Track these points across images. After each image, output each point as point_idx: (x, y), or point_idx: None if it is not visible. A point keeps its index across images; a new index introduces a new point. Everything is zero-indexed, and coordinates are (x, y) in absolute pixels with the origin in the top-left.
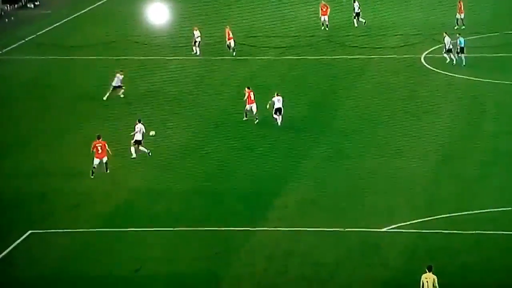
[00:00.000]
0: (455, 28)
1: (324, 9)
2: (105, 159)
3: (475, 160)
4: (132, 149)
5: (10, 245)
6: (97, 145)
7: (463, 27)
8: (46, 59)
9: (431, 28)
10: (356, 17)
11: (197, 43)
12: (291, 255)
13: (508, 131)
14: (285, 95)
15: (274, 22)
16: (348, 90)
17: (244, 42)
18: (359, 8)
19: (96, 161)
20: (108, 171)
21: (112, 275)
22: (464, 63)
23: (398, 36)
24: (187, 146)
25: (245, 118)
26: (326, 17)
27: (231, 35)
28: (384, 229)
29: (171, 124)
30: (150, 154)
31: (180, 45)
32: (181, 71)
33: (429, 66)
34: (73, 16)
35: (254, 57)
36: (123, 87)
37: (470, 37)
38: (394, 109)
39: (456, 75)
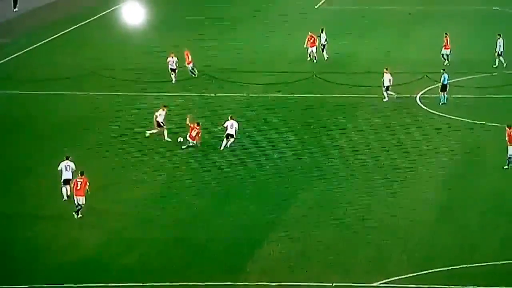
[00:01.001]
0: (445, 64)
1: (312, 40)
2: (81, 200)
3: (475, 209)
4: (63, 190)
5: None
6: (78, 180)
7: (447, 62)
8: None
9: (427, 67)
10: (323, 49)
11: (174, 71)
12: None
13: (510, 178)
14: (270, 134)
15: (259, 56)
16: (339, 131)
17: (227, 78)
18: (325, 40)
19: (76, 199)
20: (79, 216)
21: None
22: (444, 101)
23: (393, 75)
24: (162, 191)
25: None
26: (314, 49)
27: (190, 59)
28: (376, 284)
29: (144, 168)
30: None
31: (152, 80)
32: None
33: (424, 107)
34: (34, 46)
35: (237, 94)
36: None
37: (466, 77)
38: (388, 153)
39: (453, 117)
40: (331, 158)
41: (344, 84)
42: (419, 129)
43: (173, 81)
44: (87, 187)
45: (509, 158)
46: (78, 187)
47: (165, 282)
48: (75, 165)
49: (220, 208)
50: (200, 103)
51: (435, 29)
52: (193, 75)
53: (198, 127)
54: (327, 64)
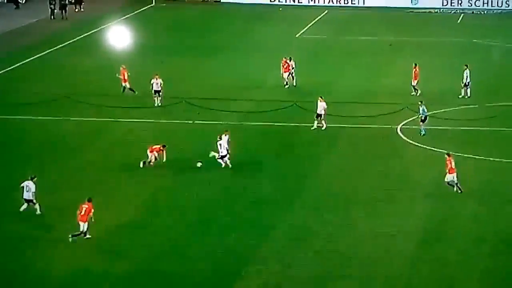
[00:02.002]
0: (412, 94)
1: (286, 66)
2: (82, 226)
3: (455, 244)
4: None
5: None
6: (83, 206)
7: (413, 93)
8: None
9: (408, 97)
10: (293, 78)
11: (158, 93)
12: None
13: (492, 213)
14: (248, 163)
15: (237, 84)
16: (317, 161)
17: (203, 105)
18: (293, 67)
19: (79, 224)
20: (70, 240)
21: None
22: (424, 133)
23: (373, 104)
24: (135, 220)
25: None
26: (286, 74)
27: (126, 77)
28: None
29: (116, 194)
30: (40, 211)
31: (131, 105)
32: (131, 135)
33: (405, 138)
34: (4, 70)
35: (214, 121)
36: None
37: (449, 108)
38: (369, 185)
39: (434, 149)
40: (310, 188)
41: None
42: (400, 160)
43: (156, 104)
44: (91, 214)
45: (449, 183)
46: (82, 213)
47: None
48: (36, 188)
49: (197, 238)
50: (178, 130)
51: (417, 59)
52: (134, 92)
53: (163, 149)
54: (307, 92)
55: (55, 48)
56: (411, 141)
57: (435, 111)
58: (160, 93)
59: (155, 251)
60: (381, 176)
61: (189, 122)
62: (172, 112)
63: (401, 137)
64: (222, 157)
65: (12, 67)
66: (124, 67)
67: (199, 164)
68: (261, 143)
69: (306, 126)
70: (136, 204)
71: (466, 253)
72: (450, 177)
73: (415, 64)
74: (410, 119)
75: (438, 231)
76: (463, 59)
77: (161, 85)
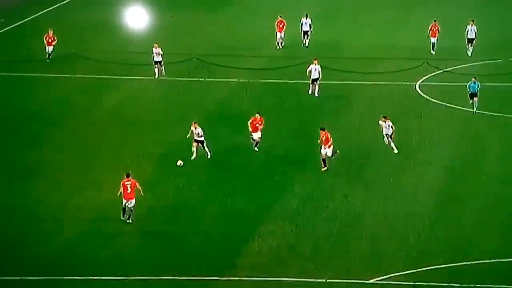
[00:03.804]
0: (432, 52)
1: (281, 25)
2: (132, 202)
3: (474, 205)
4: None
5: None
6: (126, 183)
7: (434, 52)
8: None
9: (427, 53)
10: (305, 36)
11: (159, 63)
12: None
13: (509, 170)
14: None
15: (250, 40)
16: (333, 120)
17: (214, 62)
18: (310, 26)
19: (124, 201)
20: (130, 221)
21: None
22: (476, 110)
23: (390, 61)
24: (144, 180)
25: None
26: (282, 34)
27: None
28: (372, 281)
29: (126, 155)
30: None
31: (141, 63)
32: (142, 92)
33: (424, 95)
34: (11, 26)
35: (225, 79)
36: None
37: (469, 64)
38: (384, 144)
39: (454, 106)
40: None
41: (339, 70)
42: (418, 118)
43: (156, 76)
44: (138, 186)
45: (323, 159)
46: (129, 190)
47: (147, 276)
48: None
49: (208, 199)
50: (188, 88)
51: (437, 14)
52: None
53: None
54: (321, 49)
55: (63, 2)
56: (429, 98)
57: (455, 67)
58: (162, 63)
59: (166, 212)
60: (399, 134)
61: (201, 79)
62: (182, 69)
63: (419, 93)
64: (202, 142)
65: (21, 21)
66: None
67: (180, 163)
68: (275, 101)
69: (321, 83)
70: (146, 164)
71: (483, 214)
72: (328, 151)
73: (435, 21)
74: (429, 75)
75: (456, 192)
76: (487, 13)
77: (162, 55)
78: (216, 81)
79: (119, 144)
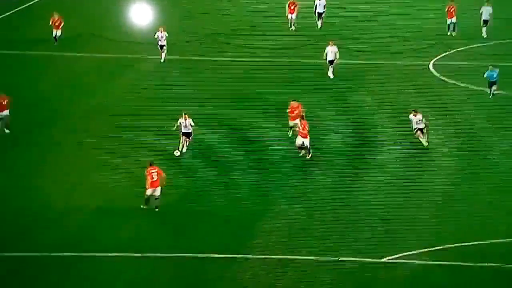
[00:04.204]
0: (448, 35)
1: (292, 7)
2: (158, 190)
3: (487, 184)
4: None
5: None
6: (151, 171)
7: (454, 33)
8: None
9: (442, 32)
10: (319, 18)
11: (163, 48)
12: None
13: None
14: (275, 102)
15: (266, 19)
16: (346, 99)
17: (229, 41)
18: (324, 7)
19: (149, 190)
20: (158, 209)
21: None
22: (492, 95)
23: (404, 40)
24: (159, 160)
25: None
26: (294, 15)
27: (58, 24)
28: (384, 260)
29: (141, 135)
30: None
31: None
32: (158, 72)
33: (438, 75)
34: (26, 5)
35: (241, 58)
36: None
37: (482, 43)
38: (398, 124)
39: (469, 86)
40: (338, 126)
41: (352, 50)
42: (431, 98)
43: (162, 60)
44: (163, 175)
45: (306, 147)
46: (154, 178)
47: (163, 254)
48: None
49: (221, 180)
50: (205, 67)
51: None
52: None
53: None
54: (335, 29)
55: None
56: (443, 77)
57: (469, 46)
58: (164, 48)
59: (180, 193)
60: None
61: (217, 58)
62: (198, 48)
63: (433, 73)
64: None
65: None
66: None
67: (176, 153)
68: (288, 80)
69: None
70: (159, 143)
71: (496, 194)
72: (302, 141)
73: (452, 1)
74: (442, 55)
75: (469, 172)
76: None
77: (166, 39)
78: (232, 60)
79: (133, 124)
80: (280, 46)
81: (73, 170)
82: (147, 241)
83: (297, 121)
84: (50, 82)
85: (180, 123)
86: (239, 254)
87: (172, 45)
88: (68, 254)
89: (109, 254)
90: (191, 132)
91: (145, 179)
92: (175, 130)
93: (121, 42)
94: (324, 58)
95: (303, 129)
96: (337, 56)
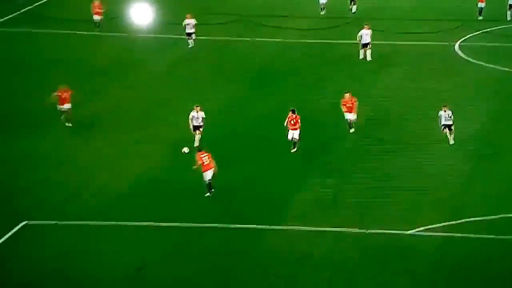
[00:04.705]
0: (478, 19)
1: None
2: (210, 173)
3: (509, 160)
4: None
5: (3, 236)
6: (202, 156)
7: (481, 17)
8: (47, 33)
9: (467, 14)
10: (352, 2)
11: (190, 35)
12: (306, 258)
13: None
14: (306, 80)
15: (296, 2)
16: (373, 79)
17: (263, 22)
18: None
19: (205, 175)
20: (211, 193)
21: (112, 272)
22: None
23: (431, 22)
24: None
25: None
26: (324, 0)
27: (98, 10)
28: (410, 232)
29: (180, 111)
30: None
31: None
32: (195, 51)
33: (463, 56)
34: None
35: (272, 38)
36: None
37: (507, 25)
38: (423, 102)
39: (495, 67)
40: (365, 107)
41: (380, 31)
42: (456, 77)
43: (190, 46)
44: (211, 159)
45: (292, 141)
46: (206, 162)
47: (200, 224)
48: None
49: (256, 154)
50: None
51: None
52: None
53: None
54: (365, 10)
55: None
56: (468, 58)
57: (493, 27)
58: (192, 35)
59: (217, 166)
60: (436, 94)
61: (248, 39)
62: (229, 29)
63: (458, 54)
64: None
65: None
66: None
67: (185, 150)
68: (317, 61)
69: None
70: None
71: None
72: (294, 133)
73: None
74: (468, 36)
75: (492, 148)
76: None
77: (194, 26)
78: (263, 40)
79: (173, 101)
80: (310, 27)
81: (117, 142)
82: (185, 211)
83: (353, 115)
84: (99, 59)
85: (192, 116)
86: (273, 224)
87: (209, 26)
88: (108, 223)
89: (145, 223)
90: (202, 125)
91: (196, 165)
92: (188, 126)
93: (164, 23)
94: (358, 40)
95: (294, 124)
96: (371, 40)
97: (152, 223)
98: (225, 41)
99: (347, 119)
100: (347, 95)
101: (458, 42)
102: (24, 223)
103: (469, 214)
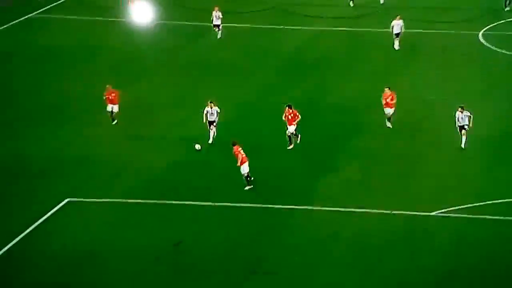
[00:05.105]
0: (505, 10)
1: None
2: (247, 164)
3: None
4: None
5: (47, 213)
6: (239, 150)
7: (508, 8)
8: (86, 20)
9: (491, 3)
10: None
11: (217, 27)
12: (335, 237)
13: None
14: (335, 68)
15: None
16: (400, 67)
17: (294, 10)
18: None
19: (243, 168)
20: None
21: (151, 247)
22: None
23: (455, 10)
24: (230, 120)
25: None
26: None
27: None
28: (434, 213)
29: (212, 96)
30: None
31: (229, 10)
32: (226, 39)
33: (487, 44)
34: None
35: (304, 27)
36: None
37: None
38: (447, 90)
39: None
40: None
41: (406, 20)
42: (480, 65)
43: (218, 37)
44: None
45: (289, 136)
46: (244, 154)
47: (232, 203)
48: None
49: (285, 138)
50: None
51: None
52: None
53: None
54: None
55: None
56: (491, 46)
57: None
58: (220, 27)
59: (251, 146)
60: (460, 81)
61: (281, 27)
62: (265, 17)
63: (482, 42)
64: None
65: None
66: None
67: (198, 147)
68: (347, 48)
69: (388, 32)
70: (228, 105)
71: None
72: (290, 128)
73: None
74: (492, 25)
75: None
76: None
77: (222, 18)
78: (295, 28)
79: (206, 86)
80: (340, 16)
81: (156, 124)
82: (218, 192)
83: (392, 110)
84: (135, 46)
85: (206, 111)
86: (301, 205)
87: (243, 13)
88: (147, 201)
89: (185, 202)
90: (215, 120)
91: (239, 160)
92: (203, 122)
93: (197, 10)
94: (390, 31)
95: (292, 119)
96: (403, 30)
97: (190, 202)
98: (258, 28)
99: (385, 114)
100: (387, 90)
101: (482, 31)
102: (67, 200)
103: (490, 197)
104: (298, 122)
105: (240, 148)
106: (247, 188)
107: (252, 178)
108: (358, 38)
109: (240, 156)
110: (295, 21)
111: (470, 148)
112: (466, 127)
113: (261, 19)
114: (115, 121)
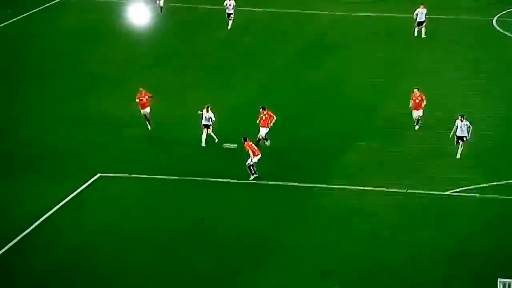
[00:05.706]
0: None
1: None
2: (255, 160)
3: None
4: None
5: (78, 187)
6: (252, 145)
7: None
8: (106, 2)
9: None
10: None
11: (230, 16)
12: (354, 214)
13: None
14: (352, 52)
15: None
16: (415, 53)
17: None
18: None
19: (255, 159)
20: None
21: (177, 221)
22: None
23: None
24: (253, 101)
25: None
26: None
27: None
28: (448, 193)
29: (234, 80)
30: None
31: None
32: (249, 23)
33: (501, 30)
34: None
35: (322, 11)
36: None
37: None
38: (461, 75)
39: None
40: (404, 79)
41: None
42: (493, 51)
43: (229, 27)
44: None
45: (418, 119)
46: (256, 149)
47: (256, 181)
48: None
49: (305, 119)
50: (290, 19)
51: None
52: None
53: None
54: None
55: None
56: (505, 32)
57: None
58: (231, 16)
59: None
60: (474, 65)
61: (300, 11)
62: (284, 2)
63: (496, 28)
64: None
65: None
66: None
67: (231, 145)
68: (366, 32)
69: (405, 16)
70: (251, 85)
71: None
72: (262, 131)
73: None
74: (505, 11)
75: None
76: None
77: (234, 7)
78: (314, 13)
79: (228, 69)
80: (359, 1)
81: (181, 106)
82: (242, 170)
83: (420, 112)
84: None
85: (201, 114)
86: (320, 183)
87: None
88: (174, 177)
89: (207, 179)
90: (211, 124)
91: (252, 155)
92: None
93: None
94: (414, 18)
95: (265, 120)
96: (426, 19)
97: (216, 179)
98: (278, 13)
99: (413, 118)
100: (416, 91)
101: (496, 17)
102: (98, 175)
103: (503, 177)
104: (273, 122)
105: (251, 143)
106: (252, 178)
107: (257, 176)
108: (376, 23)
109: (253, 150)
110: (312, 6)
111: (482, 131)
112: (464, 139)
113: (281, 3)
114: (150, 126)
